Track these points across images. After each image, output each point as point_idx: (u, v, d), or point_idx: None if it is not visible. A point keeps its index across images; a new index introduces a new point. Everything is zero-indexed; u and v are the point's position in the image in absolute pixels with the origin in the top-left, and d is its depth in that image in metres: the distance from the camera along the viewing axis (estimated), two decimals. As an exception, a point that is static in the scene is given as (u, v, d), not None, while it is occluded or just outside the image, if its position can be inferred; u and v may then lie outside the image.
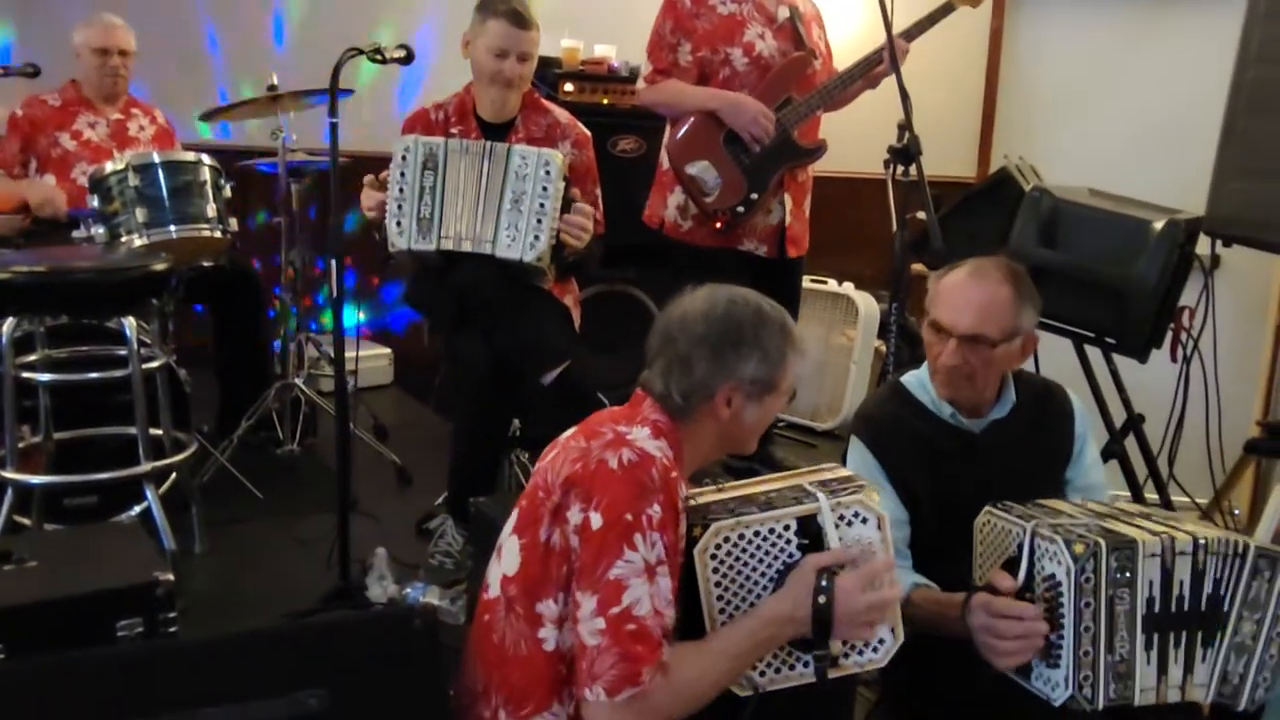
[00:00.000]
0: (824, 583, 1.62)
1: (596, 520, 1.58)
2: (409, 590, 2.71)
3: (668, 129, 3.28)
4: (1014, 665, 1.77)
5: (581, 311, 3.24)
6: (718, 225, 3.16)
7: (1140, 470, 3.21)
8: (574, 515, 1.60)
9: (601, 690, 1.54)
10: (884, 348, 3.63)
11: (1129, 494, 3.17)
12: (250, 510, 3.30)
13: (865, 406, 2.24)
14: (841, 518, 1.69)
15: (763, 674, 1.70)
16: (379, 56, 2.65)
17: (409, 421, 4.27)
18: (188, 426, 3.18)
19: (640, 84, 3.25)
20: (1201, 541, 1.78)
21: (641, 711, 1.55)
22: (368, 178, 2.96)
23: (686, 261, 3.17)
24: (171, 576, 1.96)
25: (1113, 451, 3.10)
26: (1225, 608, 1.80)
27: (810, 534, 1.68)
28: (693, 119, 3.16)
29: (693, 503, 1.78)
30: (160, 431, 2.92)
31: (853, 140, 3.43)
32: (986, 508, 1.91)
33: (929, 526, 2.05)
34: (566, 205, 2.89)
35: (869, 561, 1.67)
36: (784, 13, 3.22)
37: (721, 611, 1.69)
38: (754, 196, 3.15)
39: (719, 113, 3.12)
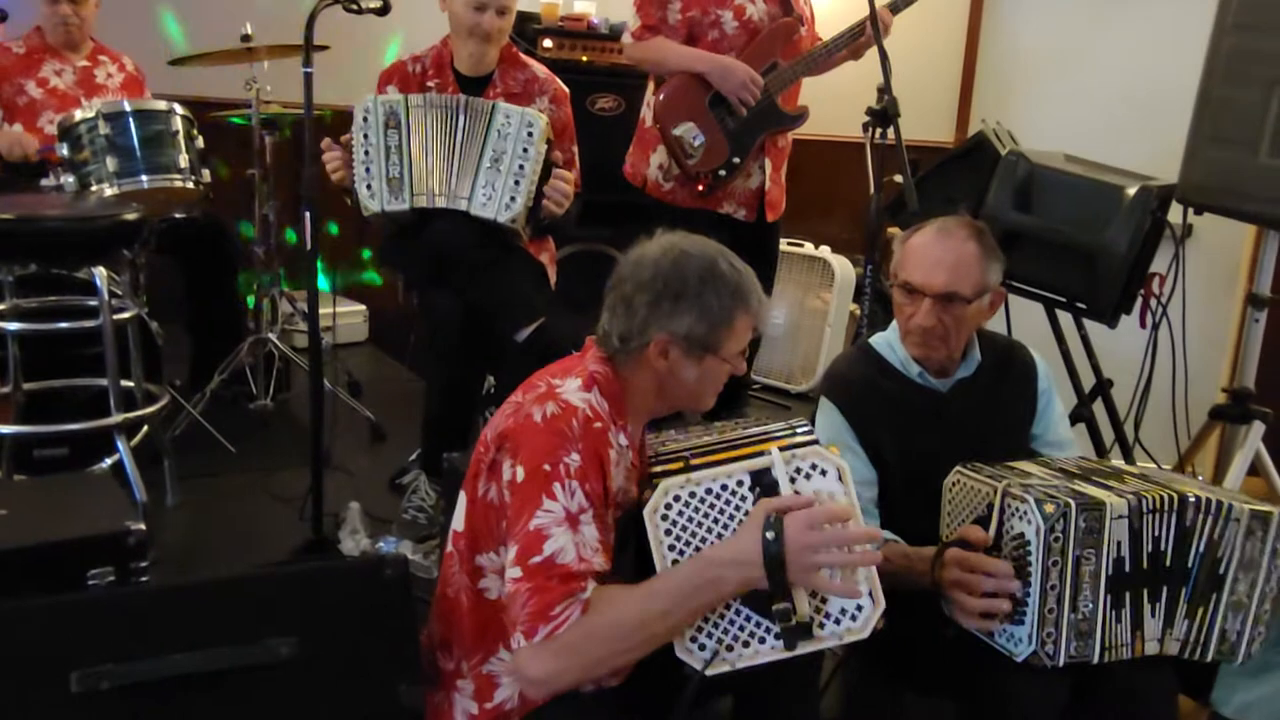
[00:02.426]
0: (771, 519, 1.54)
1: (520, 473, 1.58)
2: (381, 544, 2.74)
3: (650, 86, 3.26)
4: (981, 622, 1.79)
5: (557, 270, 3.24)
6: (700, 188, 3.16)
7: (1107, 435, 3.25)
8: (505, 470, 1.61)
9: (520, 635, 1.51)
10: (858, 311, 3.66)
11: (1095, 457, 3.22)
12: (223, 464, 3.30)
13: (835, 367, 2.25)
14: (799, 470, 1.63)
15: (731, 648, 1.59)
16: (354, 6, 2.63)
17: (383, 378, 4.27)
18: (160, 379, 3.18)
19: (626, 38, 3.21)
20: (1192, 500, 1.82)
21: (561, 650, 1.50)
22: (325, 141, 2.92)
23: (666, 222, 3.15)
24: (143, 526, 1.95)
25: (1080, 415, 3.14)
26: (1221, 570, 1.83)
27: (766, 487, 1.62)
28: (680, 79, 3.14)
29: (655, 465, 1.76)
30: (131, 383, 2.91)
31: (831, 103, 3.43)
32: (956, 468, 1.94)
33: (898, 485, 2.07)
34: (547, 169, 2.87)
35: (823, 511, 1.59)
36: None
37: None
38: (736, 160, 3.15)
39: (707, 75, 3.11)
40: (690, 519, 1.62)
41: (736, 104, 3.11)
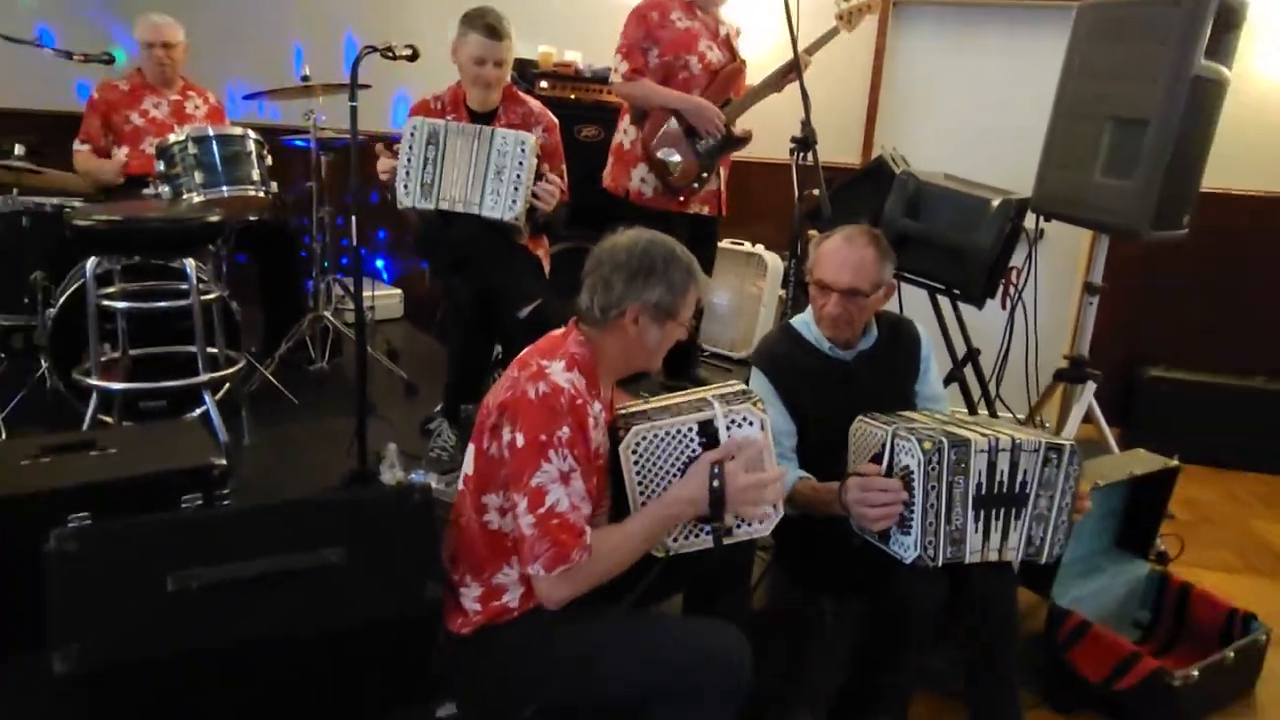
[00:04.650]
0: (716, 470, 1.65)
1: (520, 440, 1.60)
2: (413, 476, 2.73)
3: (625, 118, 3.23)
4: (881, 529, 1.82)
5: (551, 262, 3.23)
6: (681, 199, 3.19)
7: (975, 392, 3.29)
8: (506, 434, 1.63)
9: (540, 568, 1.59)
10: (784, 295, 3.67)
11: (966, 410, 3.26)
12: (288, 413, 3.28)
13: (763, 344, 2.25)
14: (733, 421, 1.70)
15: (675, 540, 1.73)
16: (390, 54, 2.59)
17: (415, 347, 4.25)
18: (239, 347, 3.15)
19: (617, 78, 3.18)
20: (1018, 442, 1.86)
21: (573, 580, 1.60)
22: (378, 146, 2.91)
23: (646, 222, 3.14)
24: (225, 461, 1.96)
25: (954, 377, 3.18)
26: (1027, 490, 1.87)
27: (709, 434, 1.70)
28: (660, 115, 3.14)
29: (622, 411, 1.79)
30: (216, 350, 2.89)
31: (765, 132, 3.42)
32: (859, 417, 1.96)
33: (814, 436, 2.09)
34: (539, 177, 2.86)
35: (751, 452, 1.69)
36: (723, 29, 3.25)
37: (641, 494, 1.72)
38: (705, 176, 3.20)
39: (684, 112, 3.12)
40: (654, 455, 1.71)
41: (705, 135, 3.12)
